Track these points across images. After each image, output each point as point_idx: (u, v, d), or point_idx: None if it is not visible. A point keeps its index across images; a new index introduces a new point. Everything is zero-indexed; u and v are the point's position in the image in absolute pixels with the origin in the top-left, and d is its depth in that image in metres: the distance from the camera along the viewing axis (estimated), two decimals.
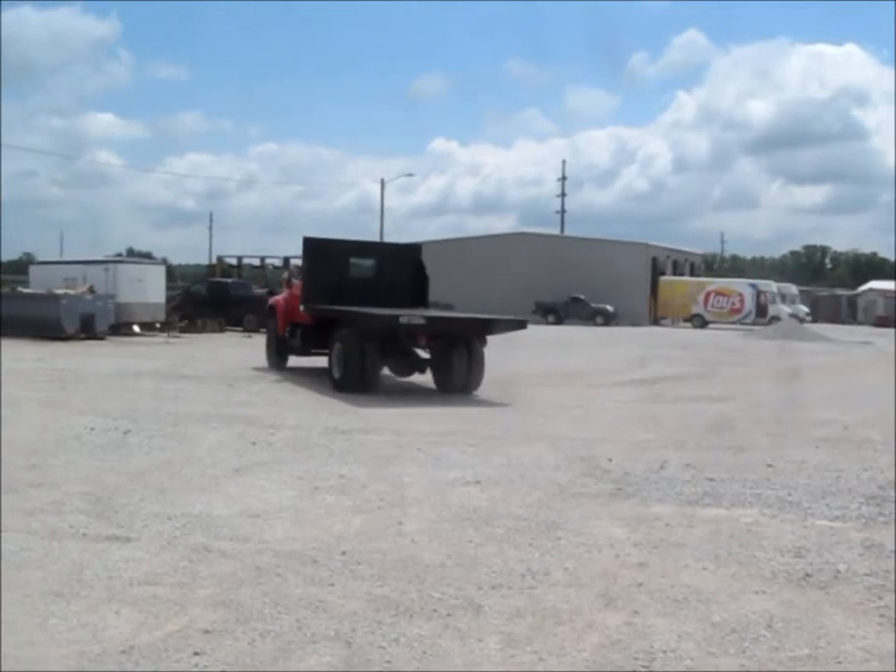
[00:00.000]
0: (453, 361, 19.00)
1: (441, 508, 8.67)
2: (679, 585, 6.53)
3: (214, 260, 61.01)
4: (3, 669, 5.12)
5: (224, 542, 7.34)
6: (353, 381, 18.07)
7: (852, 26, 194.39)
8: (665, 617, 5.95)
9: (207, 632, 5.50)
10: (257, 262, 53.79)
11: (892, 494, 9.72)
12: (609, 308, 64.16)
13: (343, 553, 7.09)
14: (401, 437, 12.65)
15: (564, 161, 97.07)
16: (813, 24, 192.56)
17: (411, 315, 18.37)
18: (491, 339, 19.57)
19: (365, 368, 18.13)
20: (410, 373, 20.16)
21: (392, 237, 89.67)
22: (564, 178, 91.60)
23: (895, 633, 5.75)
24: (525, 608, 6.06)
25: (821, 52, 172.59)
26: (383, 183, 79.78)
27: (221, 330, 39.34)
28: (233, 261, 55.59)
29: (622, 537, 7.80)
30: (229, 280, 48.52)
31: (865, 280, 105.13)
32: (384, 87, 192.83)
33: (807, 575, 6.85)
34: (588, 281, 65.93)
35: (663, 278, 69.78)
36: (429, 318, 18.80)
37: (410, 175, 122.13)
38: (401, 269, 22.23)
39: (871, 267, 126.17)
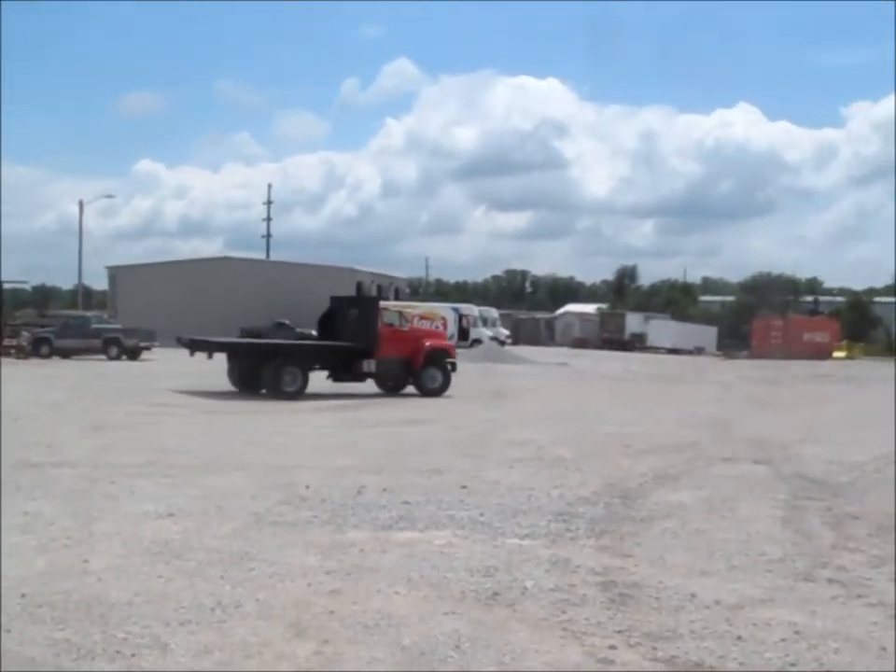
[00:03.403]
0: None
1: (132, 543, 8.38)
2: (371, 611, 6.55)
3: None
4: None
5: None
6: None
7: (553, 61, 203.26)
8: (356, 644, 5.94)
9: None
10: None
11: (580, 510, 10.12)
12: (315, 333, 64.06)
13: (23, 596, 6.72)
14: (96, 470, 12.18)
15: (270, 185, 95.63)
16: (517, 58, 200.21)
17: None
18: (194, 367, 19.22)
19: None
20: None
21: (93, 260, 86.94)
22: (270, 202, 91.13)
23: (576, 645, 5.97)
24: (213, 643, 5.91)
25: (524, 85, 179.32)
26: (81, 205, 76.89)
27: None
28: None
29: (315, 565, 7.76)
30: None
31: (563, 303, 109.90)
32: (88, 105, 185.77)
33: (496, 594, 7.01)
34: (294, 306, 65.76)
35: None
36: None
37: (111, 196, 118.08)
38: None
39: (568, 291, 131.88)
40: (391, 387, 27.53)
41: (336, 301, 29.66)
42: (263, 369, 25.54)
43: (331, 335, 27.63)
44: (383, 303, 30.96)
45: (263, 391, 25.29)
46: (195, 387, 25.88)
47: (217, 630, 6.15)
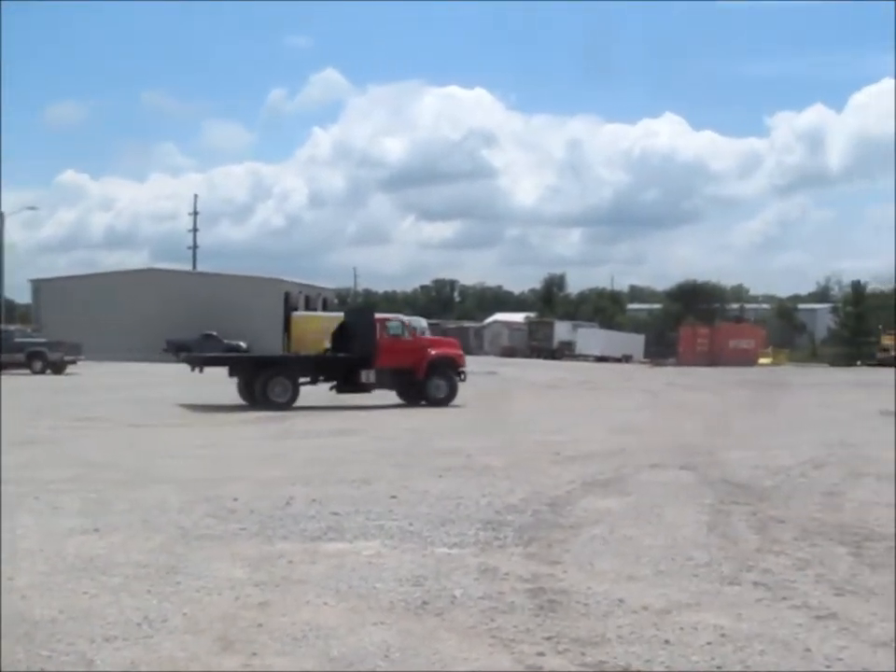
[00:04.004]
0: None
1: (56, 559, 8.25)
2: (300, 623, 6.51)
3: None
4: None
5: None
6: None
7: (481, 71, 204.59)
8: (284, 656, 5.91)
9: None
10: None
11: (509, 518, 10.15)
12: (243, 344, 63.73)
13: None
14: (20, 486, 11.97)
15: (196, 196, 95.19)
16: (445, 68, 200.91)
17: None
18: (122, 380, 19.06)
19: None
20: None
21: (16, 274, 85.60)
22: (196, 213, 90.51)
23: (504, 652, 5.98)
24: (139, 658, 5.84)
25: (453, 94, 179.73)
26: (2, 216, 75.71)
27: None
28: None
29: (243, 577, 7.70)
30: None
31: (492, 312, 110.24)
32: (9, 115, 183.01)
33: (425, 603, 7.00)
34: (222, 317, 65.30)
35: (295, 314, 70.02)
36: None
37: (33, 208, 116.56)
38: None
39: (497, 300, 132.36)
40: (409, 397, 27.53)
41: (349, 314, 30.34)
42: (255, 381, 26.11)
43: (343, 348, 27.90)
44: (384, 314, 30.95)
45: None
46: (129, 400, 25.61)
47: (143, 646, 6.07)
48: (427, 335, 70.63)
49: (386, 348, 27.12)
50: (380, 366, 26.97)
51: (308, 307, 75.40)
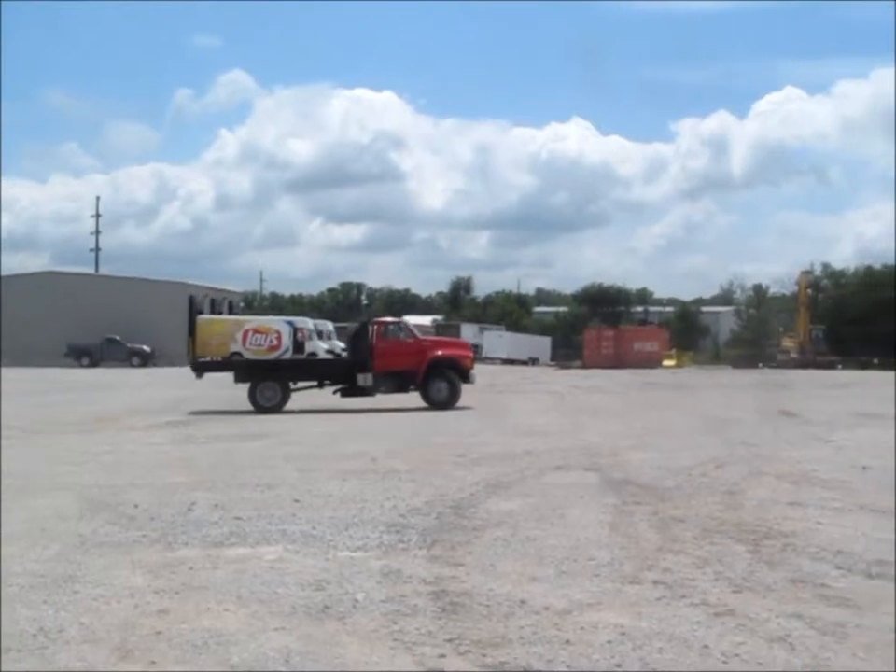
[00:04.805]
0: None
1: None
2: (200, 630, 6.44)
3: None
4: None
5: None
6: None
7: (390, 74, 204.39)
8: (184, 664, 5.84)
9: None
10: None
11: (413, 521, 10.14)
12: (147, 348, 63.09)
13: None
14: None
15: (98, 198, 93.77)
16: (354, 70, 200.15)
17: None
18: (15, 385, 18.69)
19: None
20: None
21: None
22: (98, 215, 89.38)
23: (406, 655, 5.98)
24: (35, 670, 5.73)
25: (361, 97, 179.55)
26: None
27: None
28: None
29: (143, 585, 7.59)
30: None
31: (399, 315, 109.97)
32: None
33: (326, 607, 6.97)
34: (125, 321, 64.43)
35: (200, 317, 68.89)
36: None
37: None
38: None
39: (404, 303, 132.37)
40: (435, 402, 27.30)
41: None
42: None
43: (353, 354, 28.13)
44: (384, 318, 30.97)
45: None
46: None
47: (39, 657, 5.96)
48: (334, 339, 70.93)
49: (383, 351, 27.13)
50: (378, 369, 26.93)
51: (214, 311, 74.52)
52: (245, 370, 28.19)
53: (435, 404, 26.89)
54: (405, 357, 27.29)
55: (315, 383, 28.20)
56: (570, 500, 11.53)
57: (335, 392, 27.59)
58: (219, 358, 29.20)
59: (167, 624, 6.56)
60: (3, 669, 5.77)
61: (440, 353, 28.14)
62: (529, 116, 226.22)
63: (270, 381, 26.81)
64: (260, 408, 26.12)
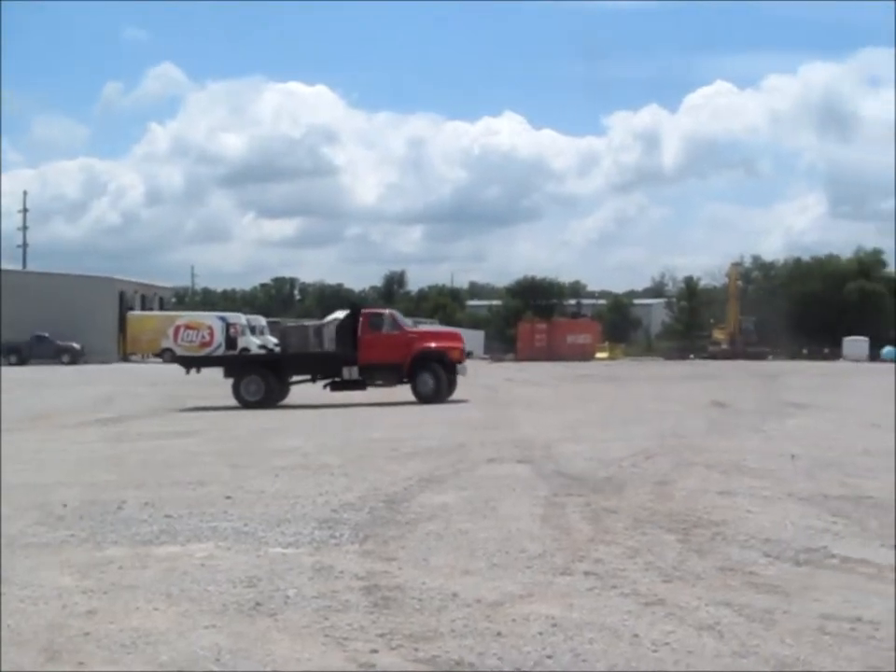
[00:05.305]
0: None
1: None
2: (128, 629, 6.37)
3: None
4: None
5: None
6: None
7: (322, 68, 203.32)
8: (112, 664, 5.78)
9: None
10: None
11: (345, 516, 10.11)
12: (76, 345, 62.30)
13: None
14: None
15: (26, 193, 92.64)
16: (286, 64, 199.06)
17: None
18: None
19: None
20: None
21: None
22: (26, 210, 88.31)
23: (338, 651, 5.97)
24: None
25: (294, 91, 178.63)
26: None
27: None
28: None
29: (71, 585, 7.50)
30: None
31: (332, 310, 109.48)
32: None
33: (258, 604, 6.93)
34: (54, 318, 63.55)
35: (131, 313, 68.77)
36: None
37: None
38: None
39: (337, 298, 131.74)
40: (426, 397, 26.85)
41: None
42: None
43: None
44: (373, 309, 30.64)
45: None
46: None
47: None
48: (267, 334, 70.59)
49: (369, 343, 26.76)
50: (364, 361, 26.66)
51: (144, 307, 74.12)
52: (235, 365, 29.00)
53: (423, 398, 26.48)
54: (392, 349, 26.87)
55: (308, 377, 27.96)
56: (503, 493, 11.56)
57: (325, 386, 27.33)
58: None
59: (95, 625, 6.48)
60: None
61: (426, 345, 27.72)
62: (462, 110, 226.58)
63: (254, 375, 26.59)
64: (245, 403, 25.82)
